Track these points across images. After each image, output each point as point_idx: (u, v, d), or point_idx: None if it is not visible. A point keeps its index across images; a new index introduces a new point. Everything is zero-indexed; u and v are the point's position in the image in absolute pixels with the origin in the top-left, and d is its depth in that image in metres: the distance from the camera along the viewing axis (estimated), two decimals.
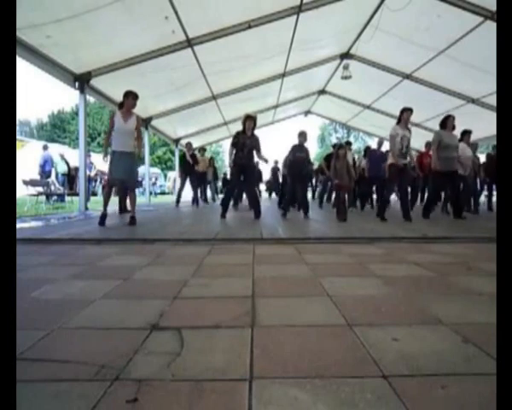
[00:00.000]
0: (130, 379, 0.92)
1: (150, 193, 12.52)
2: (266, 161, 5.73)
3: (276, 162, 14.25)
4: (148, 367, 0.98)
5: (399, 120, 5.18)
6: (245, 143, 5.29)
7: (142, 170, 12.50)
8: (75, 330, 1.26)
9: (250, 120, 5.39)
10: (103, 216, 4.30)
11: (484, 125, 9.13)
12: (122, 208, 6.52)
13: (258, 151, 5.45)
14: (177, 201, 8.83)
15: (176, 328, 1.26)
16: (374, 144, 14.89)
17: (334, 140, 39.20)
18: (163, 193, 22.24)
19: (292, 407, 0.81)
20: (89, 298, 1.60)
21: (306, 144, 5.96)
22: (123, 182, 4.50)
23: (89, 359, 1.03)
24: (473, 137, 10.39)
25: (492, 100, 8.18)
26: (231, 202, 6.62)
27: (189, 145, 9.19)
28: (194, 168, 8.92)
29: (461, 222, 5.02)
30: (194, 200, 9.03)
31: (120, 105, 4.45)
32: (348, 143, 8.25)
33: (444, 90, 9.05)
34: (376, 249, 2.93)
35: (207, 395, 0.85)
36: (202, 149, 10.69)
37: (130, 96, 4.31)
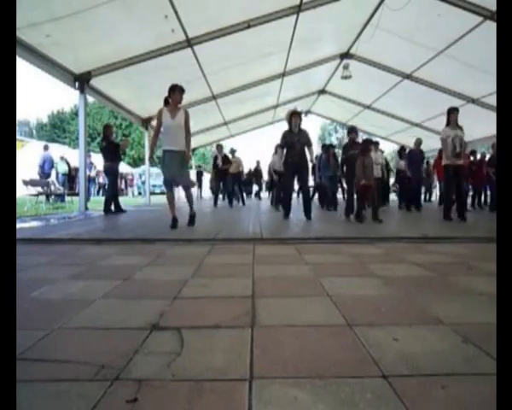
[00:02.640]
0: (131, 379, 0.92)
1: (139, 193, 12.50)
2: (312, 161, 5.43)
3: None
4: (148, 367, 0.98)
5: (448, 122, 5.17)
6: (294, 141, 5.09)
7: (142, 170, 12.45)
8: (75, 330, 1.26)
9: (296, 117, 5.19)
10: (174, 220, 4.09)
11: (484, 125, 9.14)
12: (108, 209, 6.48)
13: (310, 146, 5.21)
14: (216, 202, 8.96)
15: (176, 328, 1.26)
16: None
17: (334, 140, 39.14)
18: (163, 193, 22.24)
19: (292, 407, 0.81)
20: (89, 298, 1.60)
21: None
22: (175, 182, 4.20)
23: (89, 359, 1.03)
24: (472, 137, 10.47)
25: (492, 100, 8.17)
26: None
27: (220, 147, 9.24)
28: (227, 170, 9.01)
29: (460, 222, 5.02)
30: (231, 199, 9.08)
31: (166, 101, 4.15)
32: (376, 143, 8.08)
33: (444, 90, 9.05)
34: (376, 249, 2.93)
35: (207, 395, 0.85)
36: (233, 151, 10.66)
37: (177, 90, 4.00)
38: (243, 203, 10.10)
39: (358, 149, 5.45)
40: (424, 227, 4.34)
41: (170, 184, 4.19)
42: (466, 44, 6.81)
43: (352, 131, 5.74)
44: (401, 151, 8.58)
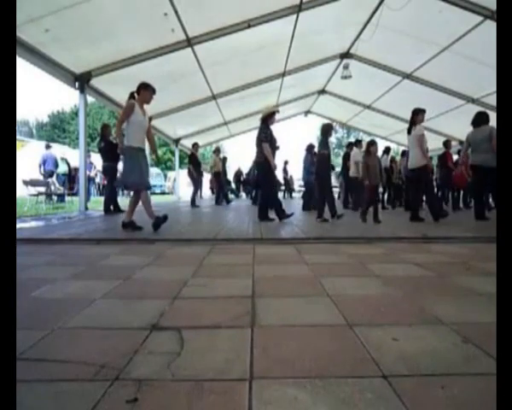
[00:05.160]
0: (131, 379, 0.92)
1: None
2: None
3: (286, 162, 14.25)
4: (148, 367, 0.98)
5: (415, 122, 5.15)
6: (276, 140, 4.98)
7: None
8: (75, 330, 1.26)
9: (274, 116, 5.08)
10: (164, 218, 3.79)
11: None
12: (108, 209, 6.48)
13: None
14: (193, 202, 8.74)
15: (176, 328, 1.26)
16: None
17: (333, 140, 39.17)
18: (163, 193, 22.29)
19: (292, 407, 0.81)
20: (89, 298, 1.60)
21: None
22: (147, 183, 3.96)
23: (89, 359, 1.03)
24: None
25: (492, 100, 8.17)
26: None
27: (196, 146, 9.25)
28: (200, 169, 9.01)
29: (460, 222, 5.02)
30: (194, 200, 8.96)
31: (132, 96, 3.84)
32: (359, 142, 8.01)
33: (444, 90, 9.05)
34: (376, 249, 2.93)
35: (207, 395, 0.85)
36: (217, 150, 10.59)
37: (150, 89, 3.85)
38: (219, 203, 10.13)
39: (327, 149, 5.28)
40: (424, 227, 4.34)
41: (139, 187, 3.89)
42: (466, 44, 6.81)
43: (330, 129, 5.39)
44: (386, 151, 8.71)
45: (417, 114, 5.16)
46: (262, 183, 5.16)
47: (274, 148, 5.02)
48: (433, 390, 0.88)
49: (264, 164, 4.93)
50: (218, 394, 0.86)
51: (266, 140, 4.89)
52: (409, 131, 5.31)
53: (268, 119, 5.04)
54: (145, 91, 3.83)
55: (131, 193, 4.39)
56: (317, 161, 5.40)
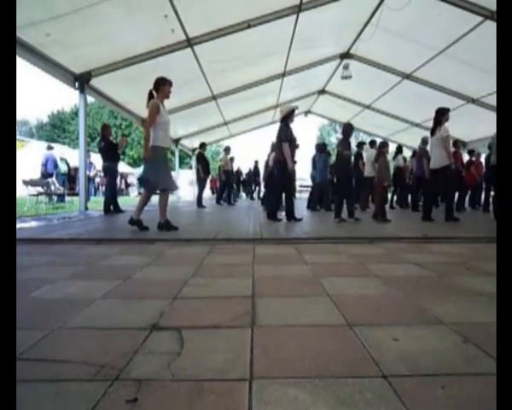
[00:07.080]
0: (131, 379, 0.92)
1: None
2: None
3: (295, 163, 14.22)
4: (148, 367, 0.98)
5: (440, 122, 5.06)
6: (296, 139, 5.06)
7: (141, 170, 12.37)
8: (75, 330, 1.26)
9: (293, 114, 5.09)
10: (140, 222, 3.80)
11: (484, 125, 9.13)
12: (108, 209, 6.47)
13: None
14: (200, 203, 8.60)
15: (176, 328, 1.26)
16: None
17: (333, 140, 39.13)
18: None
19: (292, 407, 0.81)
20: (89, 298, 1.60)
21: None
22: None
23: (89, 359, 1.03)
24: (473, 137, 10.47)
25: (492, 100, 8.16)
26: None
27: (204, 146, 9.21)
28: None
29: (461, 222, 5.02)
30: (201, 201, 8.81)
31: (151, 95, 3.75)
32: (374, 142, 8.08)
33: (444, 90, 9.04)
34: (376, 249, 2.93)
35: (207, 395, 0.85)
36: (227, 149, 10.36)
37: (169, 83, 3.77)
38: (230, 203, 10.11)
39: (349, 150, 5.28)
40: (424, 227, 4.34)
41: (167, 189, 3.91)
42: (466, 44, 6.81)
43: (351, 129, 5.38)
44: (399, 151, 8.67)
45: (443, 114, 5.05)
46: (282, 182, 5.11)
47: (294, 147, 5.04)
48: (433, 390, 0.88)
49: (284, 163, 4.89)
50: (218, 394, 0.86)
51: (286, 139, 4.86)
52: (432, 132, 5.20)
53: (287, 117, 5.02)
54: (164, 86, 3.75)
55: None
56: (340, 162, 5.34)
